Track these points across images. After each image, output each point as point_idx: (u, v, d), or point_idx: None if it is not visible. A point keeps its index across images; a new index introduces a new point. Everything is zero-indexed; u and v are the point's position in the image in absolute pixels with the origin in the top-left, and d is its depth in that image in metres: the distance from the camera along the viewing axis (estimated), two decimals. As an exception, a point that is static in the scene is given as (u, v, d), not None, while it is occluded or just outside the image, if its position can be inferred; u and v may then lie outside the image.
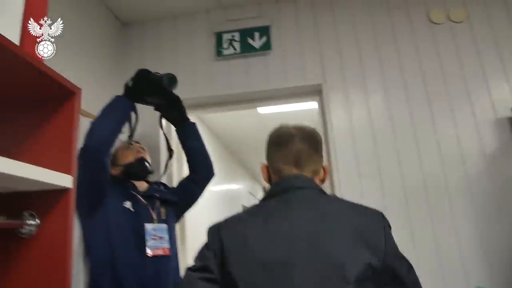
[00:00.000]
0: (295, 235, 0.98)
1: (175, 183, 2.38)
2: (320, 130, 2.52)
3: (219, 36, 2.69)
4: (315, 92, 2.59)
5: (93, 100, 1.81)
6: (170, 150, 2.07)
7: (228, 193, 5.69)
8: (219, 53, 2.67)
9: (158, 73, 1.87)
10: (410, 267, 1.01)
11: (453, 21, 2.47)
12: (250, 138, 5.11)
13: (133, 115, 1.85)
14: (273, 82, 2.57)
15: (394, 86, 2.43)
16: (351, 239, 0.97)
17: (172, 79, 1.88)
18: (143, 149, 2.03)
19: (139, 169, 1.93)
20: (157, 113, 2.05)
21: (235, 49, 2.65)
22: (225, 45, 2.67)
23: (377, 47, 2.52)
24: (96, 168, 1.67)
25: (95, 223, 1.74)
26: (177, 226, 2.16)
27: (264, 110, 4.11)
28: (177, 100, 2.02)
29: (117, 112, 1.77)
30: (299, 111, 4.17)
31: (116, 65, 2.59)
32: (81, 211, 1.75)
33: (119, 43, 2.71)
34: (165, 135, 2.09)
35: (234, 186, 6.19)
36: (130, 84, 1.83)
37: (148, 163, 1.98)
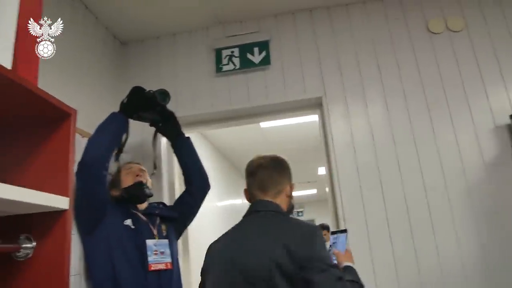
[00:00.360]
0: (249, 249, 1.29)
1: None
2: (321, 143, 2.53)
3: (218, 53, 2.70)
4: (316, 105, 2.59)
5: (93, 120, 1.82)
6: (154, 167, 2.20)
7: (232, 207, 5.66)
8: (218, 69, 2.67)
9: (152, 90, 1.94)
10: (322, 270, 1.17)
11: (452, 30, 2.47)
12: (253, 151, 5.08)
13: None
14: (273, 97, 2.57)
15: (393, 96, 2.43)
16: (280, 251, 1.20)
17: (164, 94, 1.96)
18: (143, 170, 2.02)
19: (137, 192, 1.93)
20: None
21: (234, 64, 2.66)
22: (224, 61, 2.68)
23: (376, 58, 2.52)
24: (94, 182, 1.71)
25: (96, 241, 1.75)
26: (180, 240, 2.20)
27: (265, 124, 4.11)
28: (171, 115, 2.10)
29: (112, 127, 1.84)
30: (300, 124, 4.17)
31: (116, 84, 2.60)
32: (81, 229, 1.77)
33: (119, 61, 2.73)
34: (154, 152, 2.20)
35: (238, 201, 6.16)
36: (125, 101, 1.90)
37: (147, 186, 1.97)
